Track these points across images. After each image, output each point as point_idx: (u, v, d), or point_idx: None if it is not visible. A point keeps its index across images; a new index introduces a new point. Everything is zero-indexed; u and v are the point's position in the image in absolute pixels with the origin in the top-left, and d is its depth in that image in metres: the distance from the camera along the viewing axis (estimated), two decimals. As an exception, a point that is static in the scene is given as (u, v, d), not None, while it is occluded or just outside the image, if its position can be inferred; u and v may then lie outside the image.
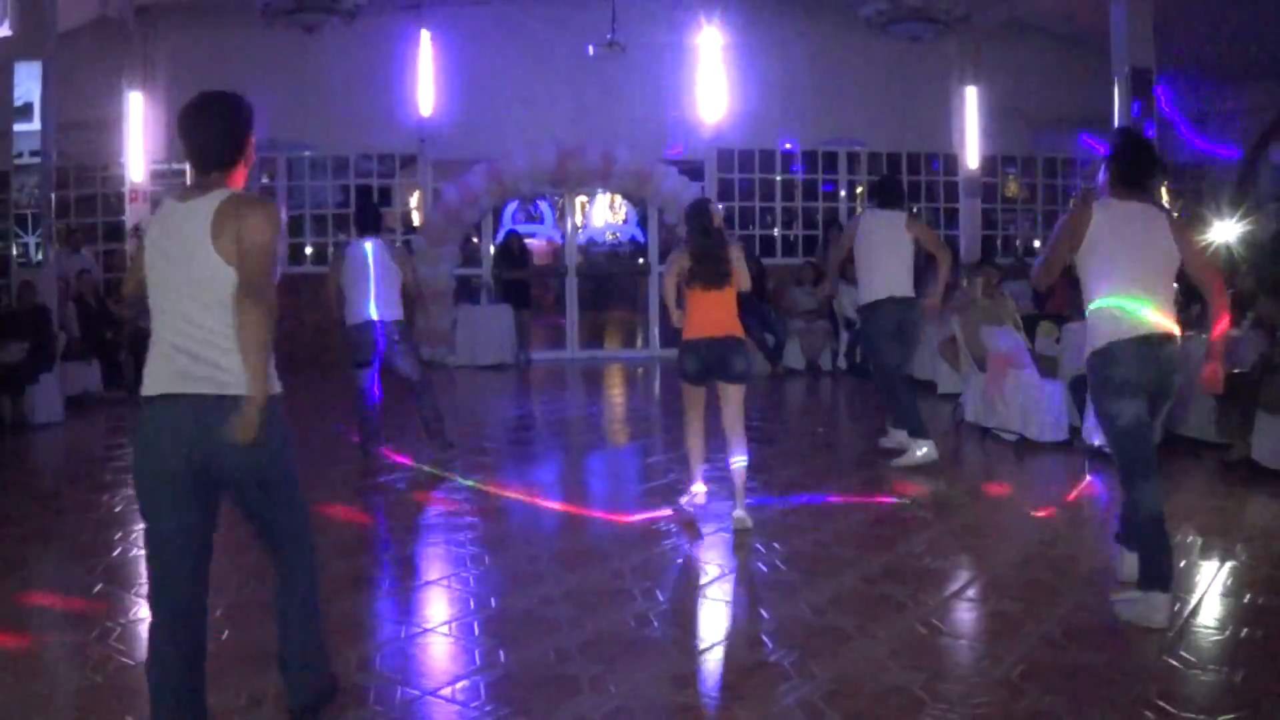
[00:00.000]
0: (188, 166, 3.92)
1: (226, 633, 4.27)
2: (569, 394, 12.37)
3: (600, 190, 16.44)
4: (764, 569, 5.19)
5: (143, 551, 5.27)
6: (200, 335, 3.12)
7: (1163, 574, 4.27)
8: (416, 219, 15.14)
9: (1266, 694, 3.61)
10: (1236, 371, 7.11)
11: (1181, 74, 13.91)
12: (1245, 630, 4.20)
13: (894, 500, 6.47)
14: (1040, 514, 6.05)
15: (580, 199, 16.64)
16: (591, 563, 5.31)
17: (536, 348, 14.39)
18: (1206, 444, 7.44)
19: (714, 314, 5.84)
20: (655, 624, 4.41)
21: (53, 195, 10.69)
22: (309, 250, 14.66)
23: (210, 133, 3.30)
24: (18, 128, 10.19)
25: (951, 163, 15.40)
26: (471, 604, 4.76)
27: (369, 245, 7.56)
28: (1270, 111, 14.59)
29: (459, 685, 3.82)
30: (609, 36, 12.82)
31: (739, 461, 5.90)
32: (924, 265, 11.94)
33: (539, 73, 14.08)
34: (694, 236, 5.95)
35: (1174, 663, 3.87)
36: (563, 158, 13.71)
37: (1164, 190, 13.71)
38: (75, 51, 12.41)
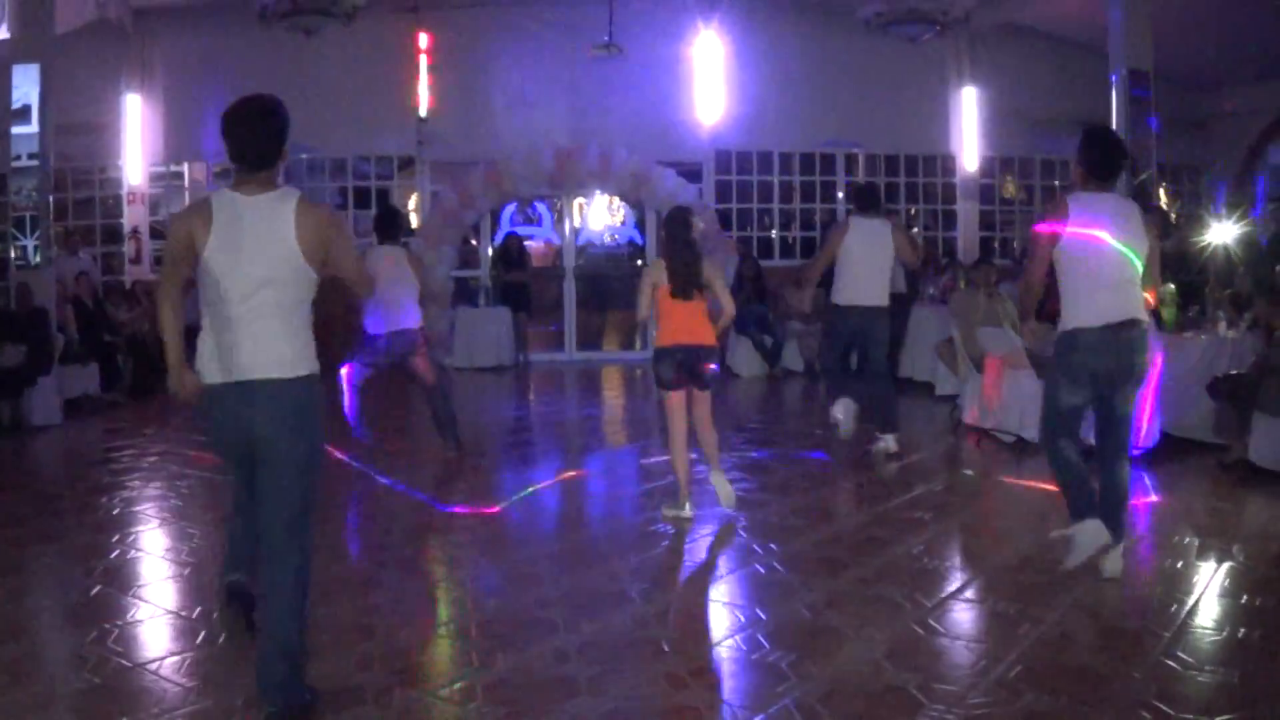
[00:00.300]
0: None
1: (224, 635, 4.28)
2: (566, 396, 12.37)
3: (598, 192, 16.43)
4: (761, 570, 5.19)
5: (140, 553, 5.32)
6: (267, 325, 3.45)
7: (1087, 501, 4.78)
8: (415, 221, 15.14)
9: (1264, 694, 3.62)
10: (1234, 373, 7.12)
11: (1179, 75, 13.94)
12: (1243, 631, 4.20)
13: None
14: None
15: (578, 201, 16.64)
16: (589, 564, 5.31)
17: (534, 349, 14.38)
18: (1204, 445, 7.44)
19: (687, 322, 6.02)
20: (653, 625, 4.41)
21: (50, 198, 10.68)
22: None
23: (260, 133, 3.55)
24: (15, 130, 10.17)
25: (949, 164, 15.42)
26: (469, 605, 4.76)
27: (392, 251, 7.61)
28: (1268, 114, 14.62)
29: (457, 686, 3.83)
30: (606, 39, 12.85)
31: (713, 451, 6.23)
32: (921, 264, 11.96)
33: (537, 75, 14.10)
34: (670, 246, 6.12)
35: (1172, 663, 3.87)
36: (561, 160, 13.72)
37: (1162, 190, 13.76)
38: (73, 54, 12.41)
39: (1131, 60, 11.56)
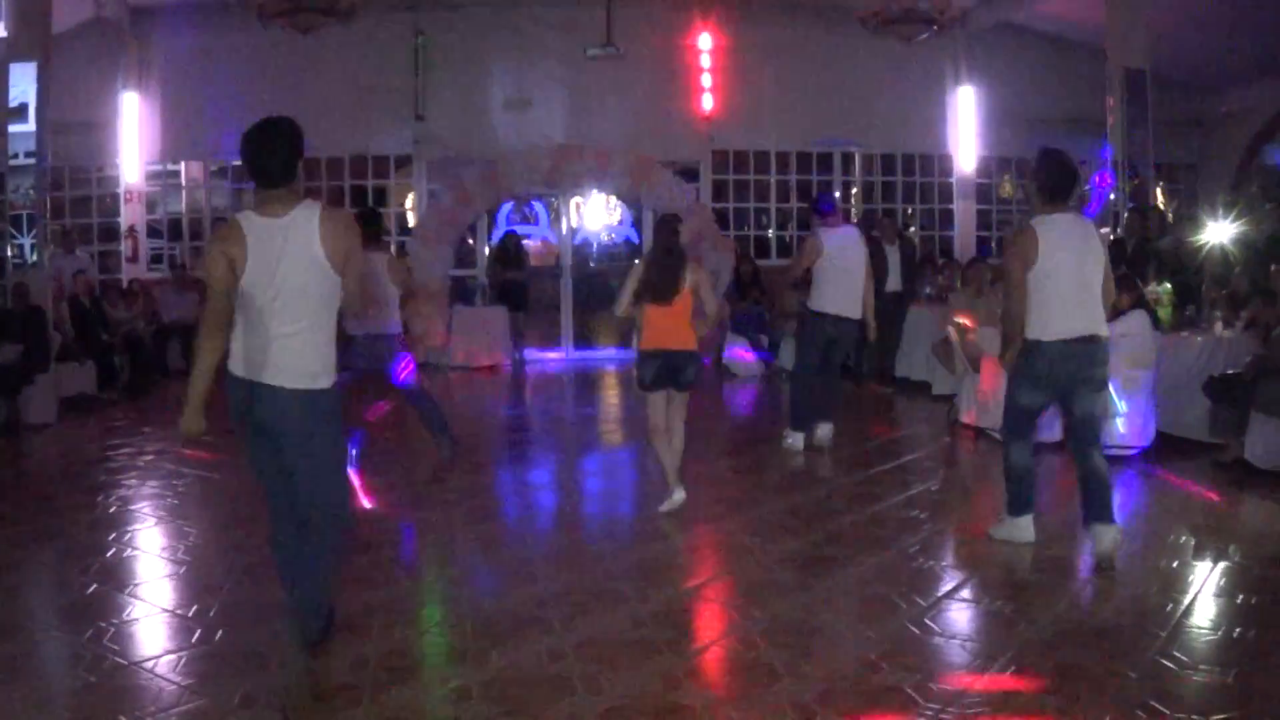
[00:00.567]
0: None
1: (220, 633, 4.28)
2: (564, 395, 12.37)
3: (595, 191, 16.42)
4: (756, 569, 5.20)
5: (136, 552, 5.32)
6: (302, 340, 3.79)
7: (1025, 501, 5.36)
8: (411, 220, 15.14)
9: (1259, 694, 3.62)
10: (1230, 372, 7.13)
11: (1177, 75, 13.95)
12: (1238, 630, 4.21)
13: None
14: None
15: (575, 200, 16.63)
16: (583, 563, 5.32)
17: (531, 348, 14.37)
18: (1200, 444, 7.45)
19: (667, 326, 6.18)
20: (648, 624, 4.41)
21: (48, 196, 10.67)
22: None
23: (280, 153, 3.81)
24: (13, 129, 10.15)
25: (946, 164, 15.42)
26: (465, 604, 4.77)
27: (371, 256, 7.56)
28: (1264, 113, 14.62)
29: (452, 685, 3.83)
30: (605, 39, 12.85)
31: (677, 447, 6.33)
32: (918, 264, 11.97)
33: (534, 74, 14.09)
34: (651, 252, 6.30)
35: (1167, 663, 3.88)
36: (558, 159, 13.72)
37: (1159, 190, 13.77)
38: (70, 53, 12.41)
39: (1129, 60, 11.58)
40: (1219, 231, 9.67)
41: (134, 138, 14.02)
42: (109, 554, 5.52)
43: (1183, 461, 7.30)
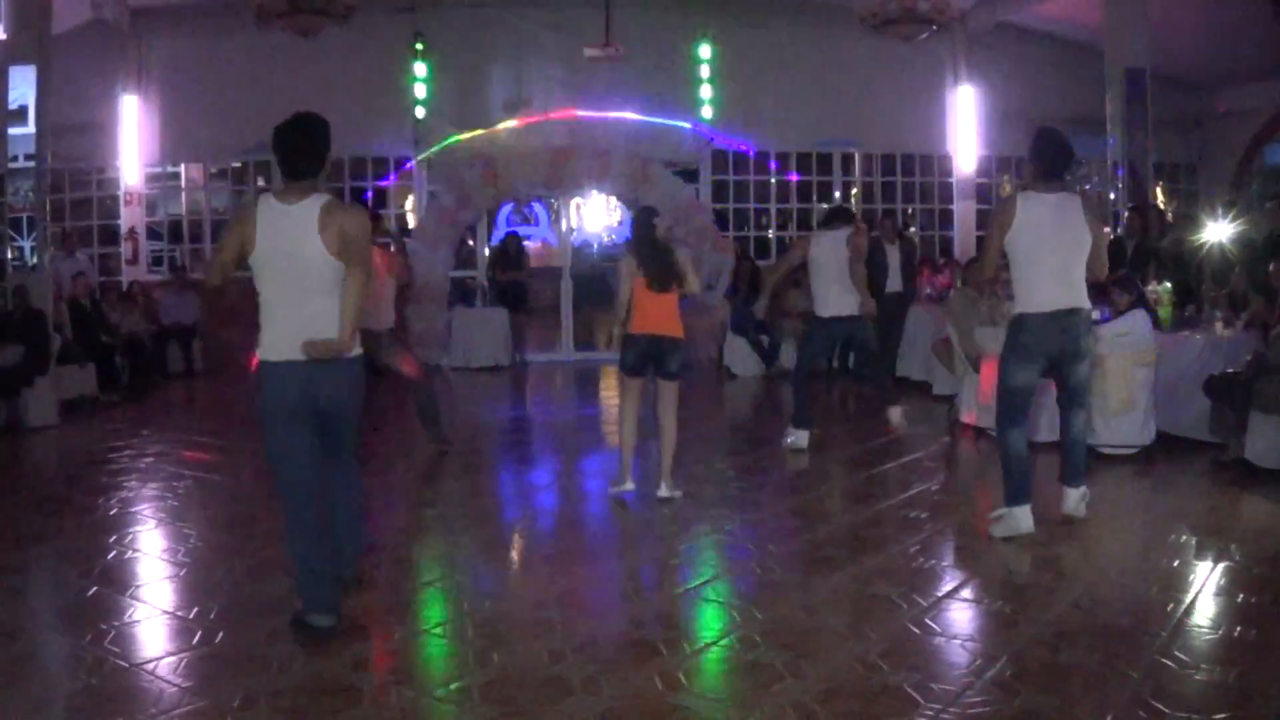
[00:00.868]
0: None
1: (221, 635, 4.28)
2: (563, 396, 12.37)
3: (595, 192, 16.43)
4: (757, 569, 5.20)
5: (136, 554, 5.32)
6: (309, 312, 4.09)
7: (1023, 490, 5.46)
8: (411, 221, 15.14)
9: (1259, 693, 3.62)
10: (1230, 372, 7.13)
11: (1176, 74, 13.95)
12: (1239, 629, 4.21)
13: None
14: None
15: (575, 201, 16.63)
16: (583, 564, 5.31)
17: (531, 349, 14.37)
18: (1200, 444, 7.44)
19: (658, 313, 6.34)
20: (648, 625, 4.41)
21: (48, 198, 10.68)
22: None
23: (306, 147, 4.15)
24: (12, 131, 10.17)
25: (946, 164, 15.42)
26: (465, 605, 4.77)
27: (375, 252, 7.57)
28: (1264, 113, 14.63)
29: (452, 686, 3.83)
30: (604, 39, 12.85)
31: (668, 444, 6.45)
32: (916, 265, 11.96)
33: (534, 75, 14.09)
34: (640, 246, 6.41)
35: (1168, 662, 3.87)
36: (557, 160, 13.72)
37: (1158, 190, 13.77)
38: (70, 55, 12.41)
39: (1128, 59, 11.58)
40: (1218, 231, 9.66)
41: (134, 140, 14.04)
42: (109, 556, 5.52)
43: (1183, 461, 7.30)
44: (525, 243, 15.47)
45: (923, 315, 11.11)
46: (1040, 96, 14.62)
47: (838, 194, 15.14)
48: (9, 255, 10.13)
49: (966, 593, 4.81)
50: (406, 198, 15.52)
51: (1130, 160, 11.81)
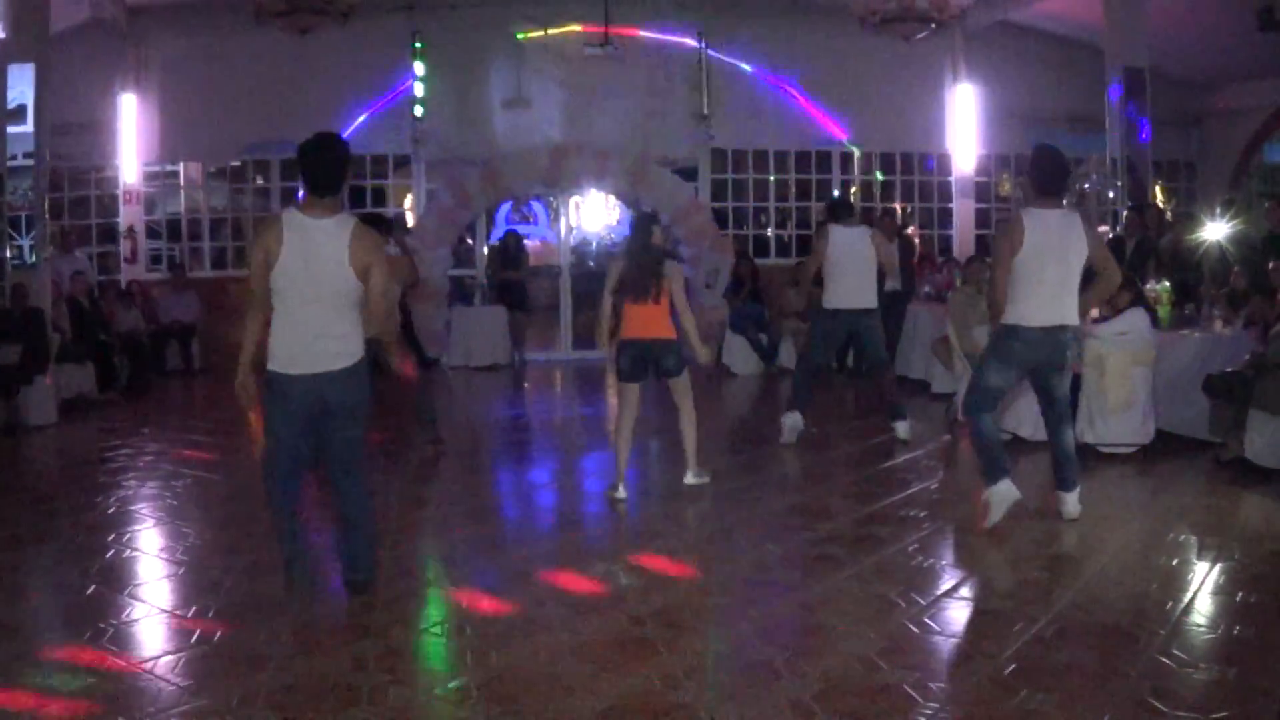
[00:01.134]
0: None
1: (219, 634, 4.28)
2: (563, 395, 12.37)
3: (594, 191, 16.42)
4: (755, 568, 5.19)
5: (135, 553, 5.32)
6: (325, 326, 4.34)
7: (1000, 466, 5.56)
8: (410, 220, 15.12)
9: (1258, 692, 3.62)
10: (1229, 370, 7.13)
11: (1175, 73, 13.94)
12: (1237, 628, 4.21)
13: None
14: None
15: (574, 199, 16.62)
16: (582, 563, 5.31)
17: (530, 348, 14.35)
18: (1199, 442, 7.45)
19: (644, 318, 6.41)
20: (647, 624, 4.41)
21: (46, 197, 10.67)
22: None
23: (334, 168, 4.47)
24: (11, 130, 10.15)
25: (945, 162, 15.41)
26: (465, 604, 4.76)
27: None
28: (1263, 111, 14.62)
29: (452, 685, 3.83)
30: (603, 38, 12.83)
31: (689, 432, 6.60)
32: (915, 264, 11.94)
33: (532, 74, 14.07)
34: (631, 249, 6.48)
35: (1166, 660, 3.87)
36: (556, 158, 13.71)
37: (1157, 189, 13.77)
38: (68, 53, 12.38)
39: (1127, 58, 11.57)
40: (1217, 229, 9.67)
41: (132, 138, 14.01)
42: (108, 555, 5.52)
43: (1182, 460, 7.30)
44: (525, 241, 15.44)
45: (922, 314, 11.11)
46: (1039, 95, 14.62)
47: (837, 193, 15.10)
48: (8, 254, 10.10)
49: (965, 591, 4.81)
50: (406, 196, 15.50)
51: (1129, 159, 11.81)
